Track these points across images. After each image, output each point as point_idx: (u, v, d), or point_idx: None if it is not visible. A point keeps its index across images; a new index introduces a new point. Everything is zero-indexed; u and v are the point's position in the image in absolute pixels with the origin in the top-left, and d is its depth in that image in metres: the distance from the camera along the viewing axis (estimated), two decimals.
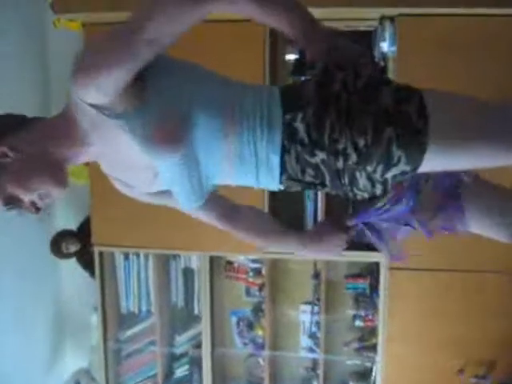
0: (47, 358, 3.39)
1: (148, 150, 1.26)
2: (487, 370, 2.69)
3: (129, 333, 3.29)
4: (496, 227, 1.57)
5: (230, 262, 3.19)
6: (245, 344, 3.29)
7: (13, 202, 1.27)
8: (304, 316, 3.18)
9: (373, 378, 2.97)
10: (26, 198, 1.28)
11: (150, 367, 3.29)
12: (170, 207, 1.59)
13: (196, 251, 2.96)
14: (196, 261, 3.14)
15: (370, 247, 1.61)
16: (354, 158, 1.31)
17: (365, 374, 3.09)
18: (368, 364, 3.07)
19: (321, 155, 1.33)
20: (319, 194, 2.85)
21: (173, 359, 3.35)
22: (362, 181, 1.37)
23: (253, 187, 1.47)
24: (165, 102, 1.25)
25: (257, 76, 2.58)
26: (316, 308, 3.10)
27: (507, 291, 2.66)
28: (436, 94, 1.36)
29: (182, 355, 3.33)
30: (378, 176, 1.35)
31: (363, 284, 3.01)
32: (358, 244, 2.56)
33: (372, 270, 2.96)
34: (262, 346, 3.18)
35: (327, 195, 2.80)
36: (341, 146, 1.31)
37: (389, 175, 1.34)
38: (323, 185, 1.41)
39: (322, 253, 1.59)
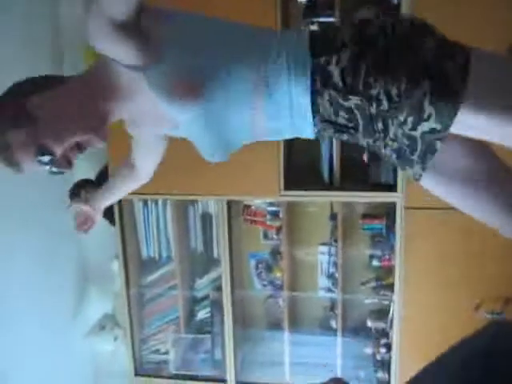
0: (73, 306, 3.48)
1: (168, 102, 1.28)
2: (503, 306, 2.72)
3: (150, 278, 3.36)
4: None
5: (247, 206, 3.21)
6: (264, 286, 3.34)
7: (45, 152, 1.27)
8: (321, 257, 3.22)
9: (391, 316, 3.02)
10: (59, 150, 1.29)
11: (172, 310, 3.36)
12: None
13: (213, 196, 2.99)
14: (214, 206, 3.17)
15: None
16: (385, 105, 1.30)
17: (383, 313, 3.14)
18: (385, 302, 3.11)
19: (354, 100, 1.32)
20: (334, 141, 2.83)
21: (194, 302, 3.42)
22: (394, 129, 1.36)
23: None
24: (185, 55, 1.26)
25: (269, 18, 2.53)
26: (333, 249, 3.14)
27: None
28: (485, 57, 1.31)
29: (203, 298, 3.39)
30: (408, 128, 1.33)
31: (379, 225, 3.03)
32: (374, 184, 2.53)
33: (388, 211, 2.97)
34: (280, 288, 3.23)
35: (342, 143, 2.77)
36: (374, 92, 1.29)
37: (419, 130, 1.32)
38: (356, 129, 1.41)
39: None
